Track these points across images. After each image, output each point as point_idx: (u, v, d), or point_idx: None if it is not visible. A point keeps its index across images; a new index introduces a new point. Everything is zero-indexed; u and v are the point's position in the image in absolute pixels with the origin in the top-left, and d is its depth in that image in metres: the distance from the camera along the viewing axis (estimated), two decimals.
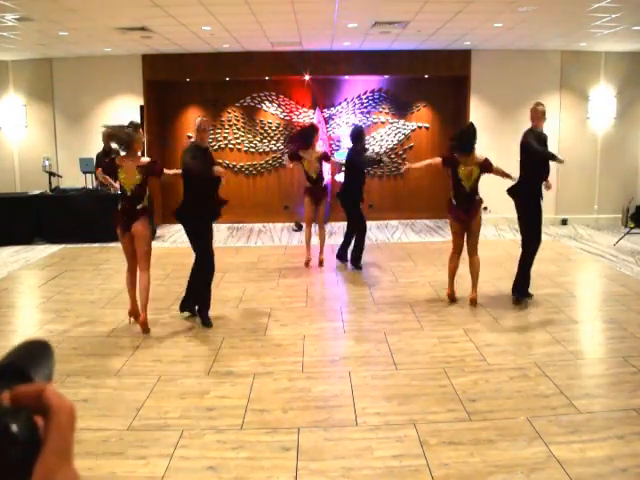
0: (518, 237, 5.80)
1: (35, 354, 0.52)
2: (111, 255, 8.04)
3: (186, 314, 5.34)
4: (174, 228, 10.17)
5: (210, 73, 10.04)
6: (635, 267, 7.04)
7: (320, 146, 7.94)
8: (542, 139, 5.44)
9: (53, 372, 0.53)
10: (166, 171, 5.17)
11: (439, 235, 9.41)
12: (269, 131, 10.73)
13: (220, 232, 9.62)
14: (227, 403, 3.63)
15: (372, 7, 6.65)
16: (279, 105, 10.69)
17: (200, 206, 5.00)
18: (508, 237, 9.13)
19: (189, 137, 5.04)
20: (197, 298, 5.22)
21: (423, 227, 10.28)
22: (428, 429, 3.25)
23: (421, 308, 5.52)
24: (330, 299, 6.08)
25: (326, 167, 9.07)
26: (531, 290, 5.71)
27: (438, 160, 5.73)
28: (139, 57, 9.86)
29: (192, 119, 8.64)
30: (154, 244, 8.72)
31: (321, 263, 7.32)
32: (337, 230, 9.77)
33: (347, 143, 7.49)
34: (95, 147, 9.54)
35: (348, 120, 10.55)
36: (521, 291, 5.62)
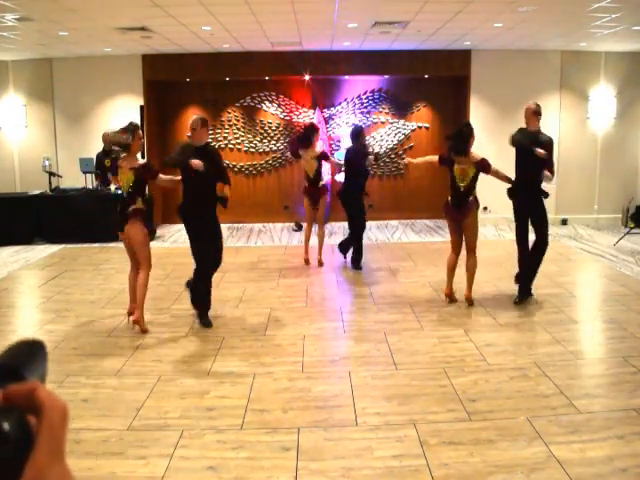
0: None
1: (28, 354, 0.52)
2: (111, 255, 8.04)
3: (184, 314, 5.34)
4: (174, 228, 10.17)
5: (210, 73, 10.04)
6: (635, 267, 7.04)
7: (320, 146, 7.93)
8: (529, 137, 5.38)
9: (46, 372, 0.53)
10: (162, 176, 5.10)
11: (439, 235, 9.41)
12: (269, 131, 10.73)
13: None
14: (227, 403, 3.63)
15: (372, 7, 6.65)
16: (279, 105, 10.69)
17: (199, 205, 4.95)
18: (508, 237, 9.12)
19: (189, 137, 5.04)
20: (196, 297, 5.17)
21: (423, 227, 10.28)
22: (428, 429, 3.25)
23: (421, 308, 5.52)
24: (330, 299, 6.08)
25: (326, 167, 9.08)
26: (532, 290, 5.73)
27: (435, 158, 5.73)
28: (139, 57, 9.86)
29: None
30: (154, 244, 8.76)
31: (320, 264, 7.32)
32: (337, 230, 9.77)
33: (347, 143, 7.48)
34: (95, 147, 9.55)
35: (348, 120, 10.55)
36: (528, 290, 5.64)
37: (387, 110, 10.70)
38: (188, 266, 5.37)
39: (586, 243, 8.67)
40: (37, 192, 9.29)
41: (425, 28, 7.90)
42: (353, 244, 7.16)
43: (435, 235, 9.49)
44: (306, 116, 10.61)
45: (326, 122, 10.59)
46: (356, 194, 6.93)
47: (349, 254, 7.32)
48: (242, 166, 10.76)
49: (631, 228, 8.91)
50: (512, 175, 5.56)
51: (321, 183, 7.17)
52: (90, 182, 9.38)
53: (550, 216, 9.88)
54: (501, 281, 6.35)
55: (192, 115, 5.80)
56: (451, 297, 5.64)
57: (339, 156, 8.79)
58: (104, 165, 9.22)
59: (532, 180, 5.38)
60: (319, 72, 9.98)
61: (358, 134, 7.02)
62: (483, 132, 9.72)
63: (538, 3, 6.38)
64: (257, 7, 6.45)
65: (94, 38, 8.19)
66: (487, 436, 3.16)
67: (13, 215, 8.90)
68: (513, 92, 9.66)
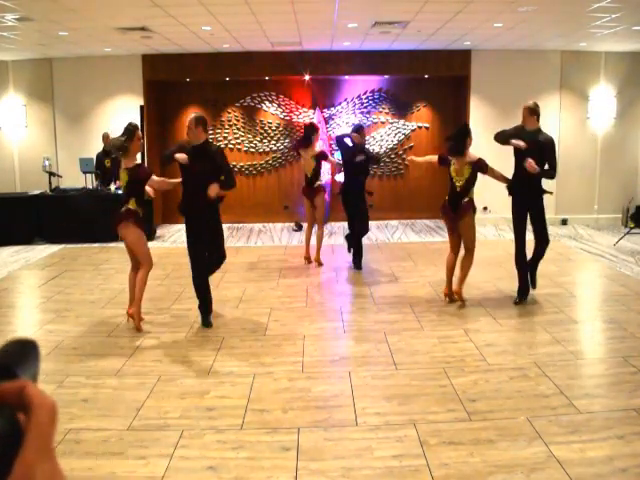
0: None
1: (21, 352, 0.53)
2: (111, 255, 8.04)
3: (184, 314, 5.34)
4: (174, 228, 10.18)
5: (210, 73, 10.04)
6: (635, 267, 7.04)
7: (320, 146, 7.92)
8: (520, 136, 5.37)
9: (39, 371, 0.54)
10: (154, 177, 5.05)
11: (439, 235, 9.41)
12: (269, 131, 10.73)
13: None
14: (227, 403, 3.63)
15: (372, 7, 6.65)
16: (279, 105, 10.69)
17: (197, 204, 4.88)
18: (508, 237, 9.12)
19: (187, 136, 5.09)
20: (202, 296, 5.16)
21: (423, 227, 10.29)
22: (428, 429, 3.25)
23: (421, 308, 5.52)
24: (330, 299, 6.08)
25: (326, 167, 9.07)
26: (531, 290, 5.72)
27: (435, 158, 5.79)
28: (139, 57, 9.86)
29: None
30: (154, 244, 8.76)
31: (319, 264, 7.32)
32: (337, 230, 9.78)
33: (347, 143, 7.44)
34: (95, 147, 9.57)
35: (348, 120, 10.55)
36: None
37: (387, 110, 10.71)
38: (188, 266, 5.36)
39: (586, 243, 8.67)
40: (37, 192, 9.30)
41: (425, 28, 7.90)
42: (353, 245, 7.15)
43: (435, 235, 9.49)
44: (306, 116, 10.61)
45: (326, 122, 10.59)
46: (358, 193, 6.86)
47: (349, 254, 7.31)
48: (242, 166, 10.76)
49: (631, 228, 8.91)
50: (511, 175, 5.56)
51: (317, 183, 7.11)
52: (90, 182, 9.38)
53: (550, 216, 9.90)
54: (501, 281, 6.35)
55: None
56: (451, 297, 5.64)
57: (339, 156, 8.78)
58: (104, 165, 9.24)
59: (530, 178, 5.37)
60: (319, 72, 9.98)
61: (358, 132, 7.00)
62: (483, 132, 9.71)
63: (538, 3, 6.38)
64: (257, 7, 6.45)
65: (94, 38, 8.19)
66: (487, 436, 3.16)
67: (13, 215, 8.90)
68: (513, 92, 9.65)
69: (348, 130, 7.73)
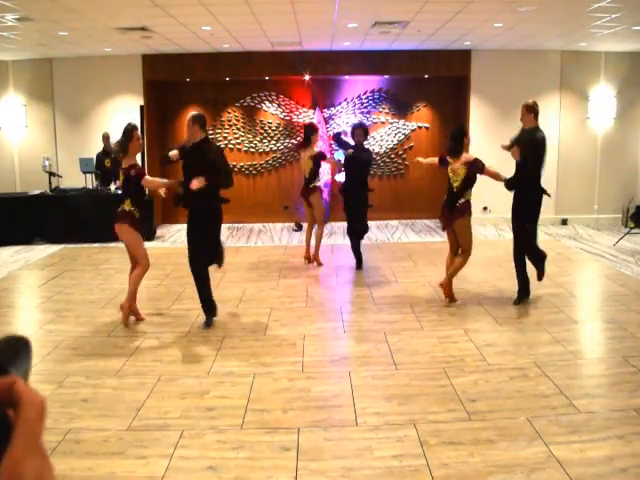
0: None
1: (13, 350, 0.53)
2: (111, 255, 8.04)
3: (184, 314, 5.34)
4: (174, 228, 10.18)
5: (210, 73, 10.04)
6: (635, 267, 7.04)
7: (320, 146, 7.91)
8: (524, 136, 5.39)
9: (30, 368, 0.54)
10: (148, 177, 5.01)
11: (439, 235, 9.40)
12: (269, 131, 10.73)
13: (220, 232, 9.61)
14: (227, 403, 3.63)
15: (372, 7, 6.65)
16: (279, 105, 10.69)
17: (196, 203, 4.85)
18: (508, 237, 9.11)
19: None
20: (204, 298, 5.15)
21: (423, 227, 10.29)
22: (428, 429, 3.25)
23: (421, 308, 5.52)
24: (330, 299, 6.08)
25: (326, 167, 9.07)
26: (531, 290, 5.72)
27: (436, 160, 5.85)
28: (139, 57, 9.86)
29: None
30: (154, 244, 8.76)
31: (318, 264, 7.31)
32: (337, 230, 9.78)
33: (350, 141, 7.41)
34: (95, 147, 9.57)
35: (348, 120, 10.54)
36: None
37: (387, 110, 10.71)
38: (188, 266, 5.36)
39: (586, 243, 8.67)
40: (37, 192, 9.30)
41: (425, 28, 7.90)
42: (353, 245, 7.13)
43: (435, 235, 9.49)
44: (306, 116, 10.61)
45: (326, 122, 10.59)
46: (360, 192, 6.81)
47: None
48: (242, 166, 10.76)
49: (631, 228, 8.91)
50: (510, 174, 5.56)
51: (313, 184, 7.05)
52: (90, 182, 9.38)
53: (550, 216, 9.98)
54: (501, 281, 6.35)
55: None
56: (451, 297, 5.64)
57: (338, 156, 8.78)
58: (104, 165, 9.24)
59: (526, 178, 5.36)
60: (319, 72, 9.98)
61: (360, 129, 6.97)
62: (483, 132, 9.74)
63: (538, 3, 6.38)
64: (257, 7, 6.45)
65: (94, 38, 8.19)
66: (487, 436, 3.16)
67: (13, 215, 8.90)
68: (513, 92, 9.65)
69: (348, 130, 7.71)
